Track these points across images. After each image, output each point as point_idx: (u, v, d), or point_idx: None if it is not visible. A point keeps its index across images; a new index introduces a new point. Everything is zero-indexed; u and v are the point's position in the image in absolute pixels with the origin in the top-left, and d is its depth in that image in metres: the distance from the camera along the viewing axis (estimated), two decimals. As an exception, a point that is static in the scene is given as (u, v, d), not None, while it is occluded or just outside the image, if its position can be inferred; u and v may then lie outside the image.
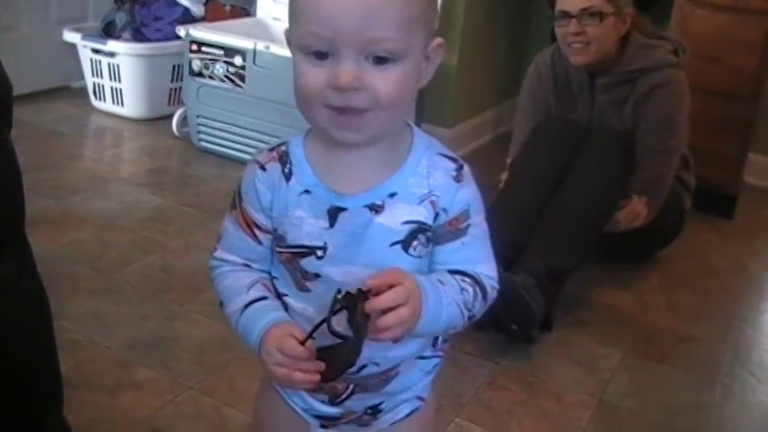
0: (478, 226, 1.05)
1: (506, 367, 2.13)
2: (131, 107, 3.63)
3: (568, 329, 2.32)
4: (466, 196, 1.03)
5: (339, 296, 0.93)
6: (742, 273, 2.86)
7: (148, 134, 3.51)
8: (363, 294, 0.92)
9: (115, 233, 2.60)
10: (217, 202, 2.90)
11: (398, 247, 1.01)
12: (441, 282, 1.01)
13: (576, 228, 2.36)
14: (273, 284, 1.08)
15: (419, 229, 1.01)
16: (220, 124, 3.26)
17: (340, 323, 0.93)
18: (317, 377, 0.96)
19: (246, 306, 1.05)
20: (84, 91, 3.75)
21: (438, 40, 1.01)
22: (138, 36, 3.58)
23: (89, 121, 3.61)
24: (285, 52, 3.03)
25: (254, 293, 1.06)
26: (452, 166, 1.03)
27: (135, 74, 3.56)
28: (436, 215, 1.02)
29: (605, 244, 2.49)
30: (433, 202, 1.01)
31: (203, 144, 3.32)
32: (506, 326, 2.16)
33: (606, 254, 2.59)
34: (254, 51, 3.11)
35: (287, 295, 1.07)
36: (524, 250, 2.29)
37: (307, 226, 1.02)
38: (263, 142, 3.15)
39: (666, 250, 2.84)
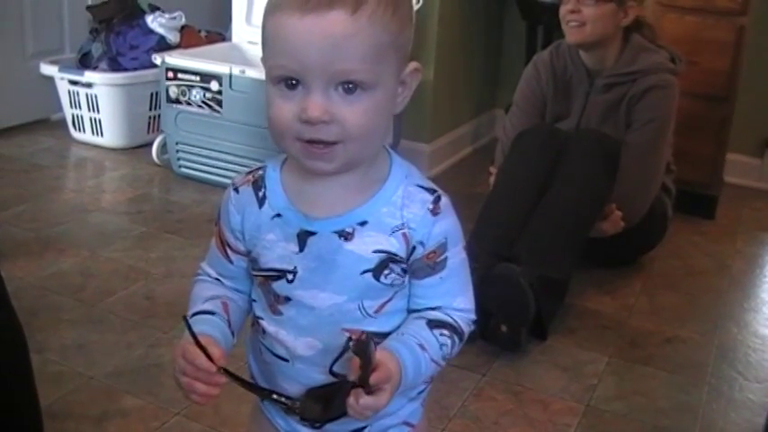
0: (456, 257, 1.04)
1: (492, 378, 2.13)
2: (111, 137, 3.63)
3: (553, 337, 2.33)
4: (443, 229, 1.02)
5: (351, 342, 0.93)
6: (725, 272, 2.87)
7: (129, 163, 3.51)
8: (371, 339, 0.93)
9: (97, 263, 2.60)
10: (198, 227, 2.90)
11: (369, 275, 1.00)
12: (422, 347, 1.01)
13: (562, 236, 2.38)
14: (251, 306, 1.10)
15: (390, 259, 1.00)
16: (200, 150, 3.27)
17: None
18: (217, 390, 0.96)
19: (192, 316, 1.06)
20: (63, 123, 3.75)
21: (413, 65, 1.00)
22: (115, 66, 3.59)
23: (69, 153, 3.61)
24: (261, 76, 3.04)
25: (205, 306, 1.07)
26: (429, 198, 1.02)
27: (113, 103, 3.56)
28: (413, 249, 1.01)
29: (588, 251, 2.51)
30: (405, 235, 1.00)
31: (183, 170, 3.32)
32: (496, 324, 2.17)
33: (589, 260, 2.60)
34: (230, 76, 3.12)
35: (262, 318, 1.08)
36: (511, 260, 2.30)
37: (278, 249, 1.02)
38: (242, 166, 3.15)
39: (649, 253, 2.85)
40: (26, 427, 1.48)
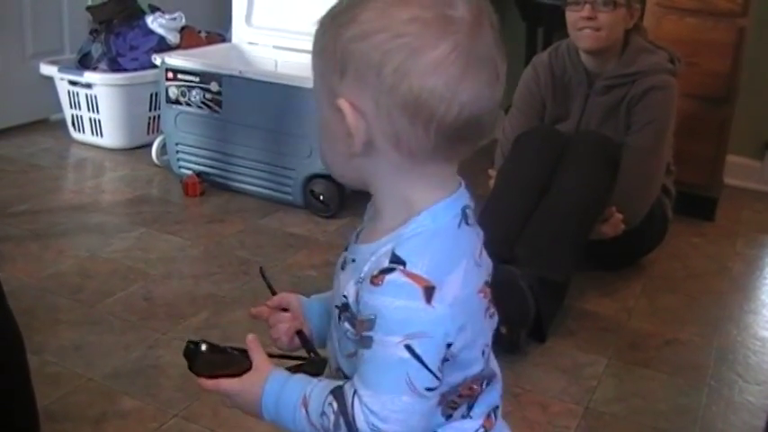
0: (385, 348, 0.88)
1: (492, 379, 2.12)
2: (110, 137, 3.63)
3: (553, 339, 2.32)
4: (375, 304, 0.88)
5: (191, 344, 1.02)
6: (725, 274, 2.87)
7: (128, 163, 3.51)
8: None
9: (96, 264, 2.60)
10: (198, 228, 2.90)
11: (336, 312, 0.98)
12: (305, 402, 0.95)
13: (562, 238, 2.38)
14: None
15: (346, 307, 0.95)
16: (199, 150, 3.26)
17: None
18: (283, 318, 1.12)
19: None
20: (62, 123, 3.75)
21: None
22: (115, 66, 3.58)
23: (68, 153, 3.60)
24: (260, 77, 3.07)
25: None
26: (383, 265, 0.89)
27: (113, 104, 3.56)
28: (358, 305, 0.93)
29: (588, 252, 2.50)
30: (358, 291, 0.92)
31: (183, 171, 3.31)
32: (496, 326, 2.16)
33: (589, 262, 2.60)
34: (230, 77, 3.11)
35: None
36: (511, 261, 2.30)
37: None
38: (242, 167, 3.15)
39: (649, 255, 2.85)
40: (23, 428, 1.47)
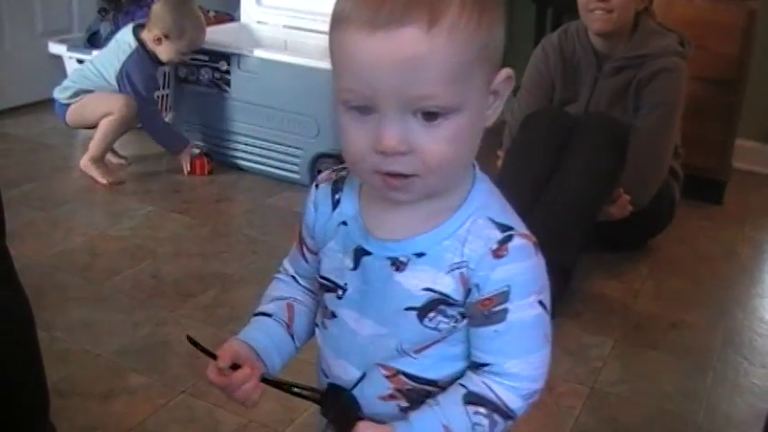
0: (523, 311, 0.89)
1: (498, 360, 2.13)
2: (119, 116, 3.62)
3: (559, 320, 2.32)
4: (506, 275, 0.87)
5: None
6: (732, 258, 2.87)
7: (137, 142, 3.50)
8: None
9: (105, 242, 2.61)
10: (206, 207, 2.91)
11: (413, 314, 0.90)
12: (446, 428, 0.89)
13: (569, 219, 2.38)
14: (312, 308, 1.05)
15: (441, 301, 0.89)
16: (208, 129, 3.26)
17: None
18: (250, 384, 0.98)
19: (255, 315, 1.04)
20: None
21: (505, 73, 0.87)
22: (123, 45, 3.57)
23: (77, 132, 3.59)
24: (269, 56, 3.07)
25: (268, 307, 1.04)
26: (497, 236, 0.88)
27: (121, 83, 3.55)
28: (468, 291, 0.89)
29: (595, 234, 2.50)
30: (463, 275, 0.88)
31: (192, 150, 3.31)
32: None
33: (596, 244, 2.60)
34: (239, 56, 3.11)
35: (317, 326, 1.02)
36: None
37: (335, 260, 0.95)
38: (250, 146, 3.16)
39: (657, 238, 2.84)
40: (33, 403, 1.49)
